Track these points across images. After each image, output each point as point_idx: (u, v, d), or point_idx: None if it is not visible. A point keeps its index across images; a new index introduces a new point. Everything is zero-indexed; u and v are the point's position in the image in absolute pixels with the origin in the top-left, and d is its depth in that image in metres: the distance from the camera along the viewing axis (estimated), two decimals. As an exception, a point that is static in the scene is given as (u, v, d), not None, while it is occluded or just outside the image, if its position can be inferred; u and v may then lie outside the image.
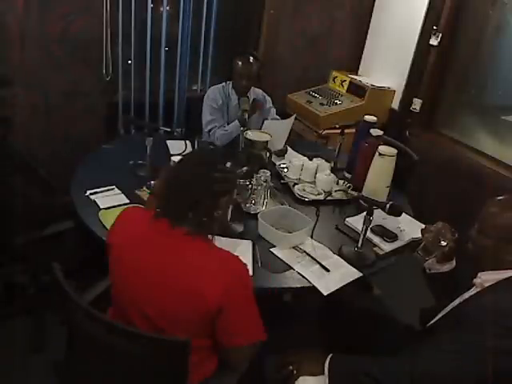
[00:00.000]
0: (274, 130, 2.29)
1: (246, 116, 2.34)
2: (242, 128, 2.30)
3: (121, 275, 1.31)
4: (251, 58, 2.51)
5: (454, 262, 1.61)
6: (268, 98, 2.75)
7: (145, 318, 1.25)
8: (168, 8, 2.96)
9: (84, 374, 1.38)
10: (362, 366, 1.33)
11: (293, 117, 2.54)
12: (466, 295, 1.40)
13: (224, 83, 2.64)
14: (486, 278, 1.34)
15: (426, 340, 1.38)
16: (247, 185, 1.97)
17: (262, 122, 2.41)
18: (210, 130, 2.57)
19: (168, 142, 2.48)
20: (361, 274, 1.65)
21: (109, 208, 1.82)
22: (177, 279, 1.22)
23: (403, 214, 1.67)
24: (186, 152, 2.16)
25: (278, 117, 2.76)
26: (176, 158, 1.85)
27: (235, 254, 1.32)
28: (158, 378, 1.24)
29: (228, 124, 2.56)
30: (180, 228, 1.25)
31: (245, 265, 1.29)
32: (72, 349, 1.36)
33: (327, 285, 1.57)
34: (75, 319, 1.24)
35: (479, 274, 1.37)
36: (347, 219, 1.96)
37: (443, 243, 1.56)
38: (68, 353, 1.37)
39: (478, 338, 1.19)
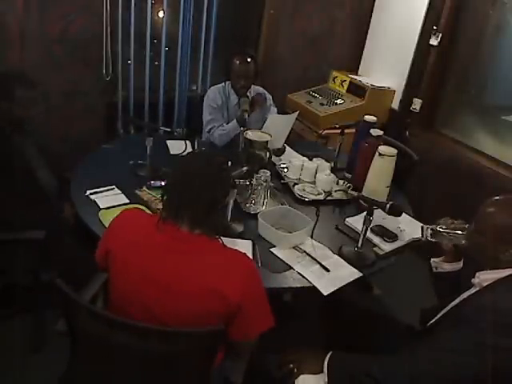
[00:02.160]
0: (276, 126, 2.27)
1: (246, 116, 2.34)
2: (242, 128, 2.30)
3: (129, 282, 1.27)
4: (248, 58, 2.49)
5: (461, 263, 1.61)
6: (269, 96, 2.73)
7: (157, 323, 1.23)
8: (168, 8, 2.96)
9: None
10: (362, 366, 1.33)
11: (296, 112, 2.53)
12: (466, 295, 1.40)
13: (224, 83, 2.64)
14: (485, 278, 1.35)
15: (426, 339, 1.39)
16: (247, 185, 1.97)
17: (263, 121, 2.40)
18: (209, 130, 2.57)
19: (168, 141, 2.48)
20: (361, 274, 1.65)
21: (109, 208, 1.82)
22: (198, 283, 1.21)
23: (403, 213, 1.67)
24: (185, 154, 2.13)
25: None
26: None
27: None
28: (183, 374, 1.25)
29: (227, 124, 2.56)
30: (197, 230, 1.25)
31: (251, 259, 1.37)
32: (79, 356, 1.31)
33: (327, 285, 1.57)
34: (89, 328, 1.20)
35: (477, 274, 1.38)
36: (347, 219, 1.96)
37: (445, 234, 1.55)
38: (73, 360, 1.33)
39: (477, 336, 1.19)
